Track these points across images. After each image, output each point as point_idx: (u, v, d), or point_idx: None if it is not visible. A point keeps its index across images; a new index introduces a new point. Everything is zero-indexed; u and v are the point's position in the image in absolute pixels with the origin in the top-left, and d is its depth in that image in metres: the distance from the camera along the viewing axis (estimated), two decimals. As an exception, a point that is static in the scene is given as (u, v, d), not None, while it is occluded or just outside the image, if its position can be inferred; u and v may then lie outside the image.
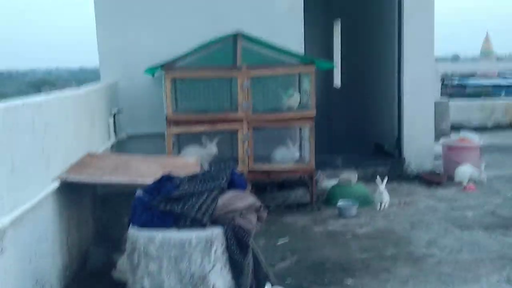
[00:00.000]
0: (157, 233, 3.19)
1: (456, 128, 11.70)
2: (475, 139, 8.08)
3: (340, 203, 6.32)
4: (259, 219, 3.56)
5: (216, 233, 3.24)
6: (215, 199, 3.35)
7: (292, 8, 7.25)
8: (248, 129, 6.25)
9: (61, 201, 4.15)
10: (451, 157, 7.74)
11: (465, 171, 7.32)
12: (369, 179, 7.45)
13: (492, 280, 4.33)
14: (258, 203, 3.53)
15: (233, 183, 3.59)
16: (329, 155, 8.46)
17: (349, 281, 4.41)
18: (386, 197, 6.46)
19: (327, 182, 7.05)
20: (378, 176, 6.62)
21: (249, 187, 6.28)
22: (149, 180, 3.82)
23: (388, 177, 6.79)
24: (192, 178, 3.62)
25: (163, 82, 6.16)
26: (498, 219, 5.90)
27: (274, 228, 5.85)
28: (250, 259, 3.46)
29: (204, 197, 3.35)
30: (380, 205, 6.43)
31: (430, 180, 7.51)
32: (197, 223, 3.25)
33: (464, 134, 8.35)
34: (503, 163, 8.75)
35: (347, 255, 4.99)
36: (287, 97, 6.55)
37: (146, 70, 6.48)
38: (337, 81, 12.08)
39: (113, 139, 6.33)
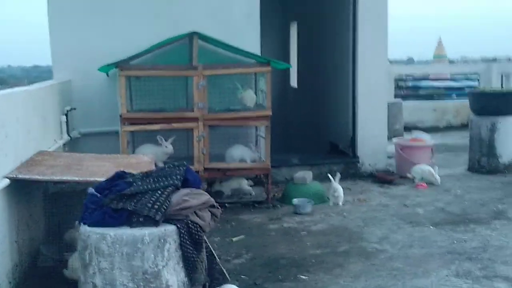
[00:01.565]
0: (109, 231, 3.15)
1: (409, 128, 11.93)
2: (427, 139, 8.27)
3: (296, 200, 6.38)
4: (213, 216, 3.56)
5: (169, 230, 3.23)
6: (168, 197, 3.34)
7: (249, 14, 7.26)
8: (203, 128, 6.24)
9: (11, 199, 4.05)
10: (404, 156, 7.91)
11: (421, 169, 7.48)
12: (324, 177, 7.53)
13: (441, 274, 4.44)
14: (212, 201, 3.53)
15: (188, 181, 3.59)
16: (285, 154, 8.51)
17: (303, 277, 4.45)
18: (340, 194, 6.55)
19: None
20: (329, 174, 6.72)
21: (204, 185, 6.31)
22: (101, 178, 3.78)
23: (342, 176, 6.88)
24: (145, 176, 3.60)
25: (117, 81, 6.09)
26: (447, 215, 6.05)
27: (230, 225, 5.87)
28: (204, 256, 3.46)
29: (157, 194, 3.33)
30: (335, 202, 6.52)
31: (383, 178, 7.65)
32: (150, 220, 3.23)
33: (416, 134, 8.53)
34: (453, 162, 8.97)
35: (302, 252, 5.04)
36: (239, 94, 6.57)
37: (100, 68, 6.40)
38: (293, 81, 12.17)
39: (66, 138, 6.22)
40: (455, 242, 5.18)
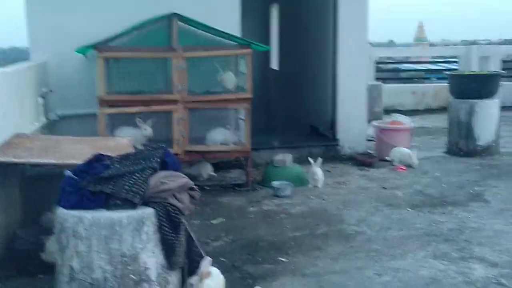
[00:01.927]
0: (87, 213, 3.14)
1: (389, 111, 12.00)
2: (406, 121, 8.33)
3: (275, 183, 6.40)
4: (192, 199, 3.56)
5: (147, 213, 3.22)
6: (146, 179, 3.32)
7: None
8: (183, 110, 6.21)
9: (-13, 182, 4.00)
10: (383, 139, 7.96)
11: (399, 152, 7.55)
12: (304, 160, 7.55)
13: (418, 256, 4.50)
14: (190, 183, 3.53)
15: (166, 164, 3.57)
16: (265, 136, 8.52)
17: (282, 259, 4.48)
18: (320, 177, 6.58)
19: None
20: (309, 158, 6.75)
21: (209, 168, 6.30)
22: (79, 161, 3.75)
23: (322, 158, 6.92)
24: (123, 158, 3.58)
25: (95, 62, 6.02)
26: (425, 198, 6.13)
27: (209, 208, 5.88)
28: (183, 239, 3.46)
29: (135, 177, 3.31)
30: (315, 185, 6.56)
31: (362, 161, 7.71)
32: (128, 203, 3.21)
33: (396, 117, 8.58)
34: (432, 145, 9.07)
35: (281, 234, 5.07)
36: (219, 76, 6.55)
37: (78, 50, 6.32)
38: (274, 64, 12.14)
39: (43, 120, 6.15)
40: (432, 224, 5.25)
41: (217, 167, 7.13)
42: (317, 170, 6.59)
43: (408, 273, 4.15)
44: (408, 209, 5.73)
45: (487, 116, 8.03)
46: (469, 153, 7.96)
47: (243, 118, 6.69)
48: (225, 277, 4.09)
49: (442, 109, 12.53)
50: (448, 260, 4.37)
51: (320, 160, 6.68)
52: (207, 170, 6.78)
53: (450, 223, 5.25)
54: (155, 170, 3.40)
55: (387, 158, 7.66)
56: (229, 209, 5.86)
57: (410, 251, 4.59)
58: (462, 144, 8.10)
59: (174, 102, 6.19)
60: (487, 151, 8.04)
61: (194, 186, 3.52)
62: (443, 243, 4.75)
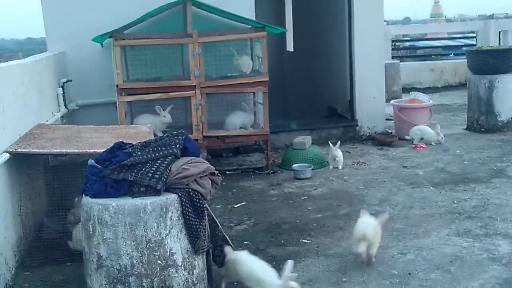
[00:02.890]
0: (111, 201, 3.18)
1: (407, 89, 11.93)
2: (425, 99, 8.26)
3: (295, 166, 6.41)
4: (213, 184, 3.58)
5: (171, 198, 3.25)
6: (168, 166, 3.35)
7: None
8: (201, 96, 6.23)
9: (11, 173, 4.08)
10: (402, 117, 7.91)
11: (420, 130, 7.49)
12: (323, 142, 7.60)
13: (442, 234, 4.49)
14: (212, 168, 3.55)
15: (187, 150, 3.59)
16: (284, 119, 8.52)
17: (305, 241, 4.50)
18: (340, 158, 6.58)
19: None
20: (329, 142, 6.73)
21: (204, 153, 6.32)
22: (101, 149, 3.79)
23: (341, 139, 6.91)
24: (144, 145, 3.60)
25: (112, 51, 6.05)
26: (447, 175, 6.09)
27: (231, 193, 5.91)
28: (206, 223, 3.49)
29: (157, 164, 3.34)
30: (335, 166, 6.56)
31: (382, 140, 7.68)
32: (151, 189, 3.25)
33: (414, 95, 8.52)
34: (452, 122, 9.00)
35: (303, 216, 5.09)
36: (235, 60, 6.54)
37: (94, 39, 6.34)
38: (290, 46, 12.06)
39: (63, 110, 6.21)
40: (455, 201, 5.23)
41: (237, 151, 7.16)
42: (337, 152, 6.58)
43: (432, 251, 4.16)
44: (430, 187, 5.71)
45: (507, 91, 7.92)
46: (490, 129, 7.89)
47: (260, 101, 6.69)
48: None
49: (461, 86, 12.43)
50: (472, 237, 4.36)
51: (338, 143, 6.66)
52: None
53: (473, 200, 5.22)
54: (176, 157, 3.43)
55: (406, 137, 7.62)
56: (250, 193, 5.89)
57: (433, 229, 4.59)
58: (482, 120, 8.02)
59: (192, 88, 6.21)
60: (508, 126, 7.95)
61: (216, 171, 3.54)
62: (466, 220, 4.74)
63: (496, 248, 4.15)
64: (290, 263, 3.36)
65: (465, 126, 8.37)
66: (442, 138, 7.43)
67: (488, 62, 8.01)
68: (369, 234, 3.84)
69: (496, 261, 3.92)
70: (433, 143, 7.40)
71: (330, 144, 6.62)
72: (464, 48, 10.43)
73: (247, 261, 3.57)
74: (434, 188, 5.68)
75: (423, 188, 5.69)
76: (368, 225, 3.92)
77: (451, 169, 6.33)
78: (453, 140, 7.70)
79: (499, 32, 13.59)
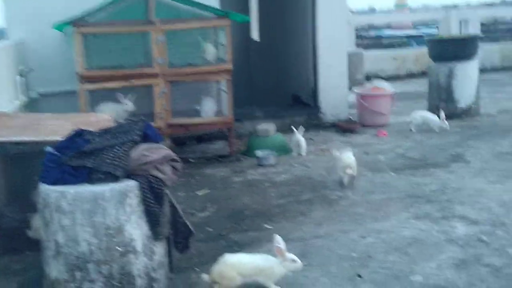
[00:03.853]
0: (69, 188, 3.13)
1: (371, 77, 12.03)
2: (387, 87, 8.34)
3: (259, 153, 6.42)
4: (174, 170, 3.55)
5: (130, 185, 3.21)
6: (127, 152, 3.31)
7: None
8: (164, 84, 6.17)
9: (-32, 162, 3.97)
10: (364, 105, 7.98)
11: (421, 116, 7.52)
12: (287, 129, 7.58)
13: (401, 217, 4.56)
14: (172, 155, 3.52)
15: (147, 137, 3.56)
16: (248, 107, 8.53)
17: (267, 226, 4.52)
18: (303, 145, 6.61)
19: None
20: (292, 126, 6.77)
21: (166, 140, 6.29)
22: (60, 137, 3.72)
23: (305, 127, 6.95)
24: (104, 132, 3.56)
25: (73, 39, 5.94)
26: (407, 161, 6.19)
27: (194, 180, 5.90)
28: (166, 210, 3.47)
29: (116, 150, 3.30)
30: (298, 153, 6.60)
31: (345, 127, 7.75)
32: (110, 176, 3.20)
33: (377, 83, 8.60)
34: (413, 109, 9.09)
35: (266, 202, 5.11)
36: (199, 49, 6.51)
37: (55, 26, 6.22)
38: (255, 34, 12.03)
39: (23, 99, 6.09)
40: (414, 186, 5.31)
41: (201, 139, 7.15)
42: (300, 138, 6.61)
43: (391, 234, 4.21)
44: (390, 172, 5.79)
45: (466, 78, 8.07)
46: (450, 115, 8.01)
47: (224, 89, 6.67)
48: (211, 246, 4.16)
49: (423, 74, 12.57)
50: (430, 220, 4.44)
51: (302, 128, 6.69)
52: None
53: (432, 185, 5.31)
54: (136, 143, 3.39)
55: (410, 125, 7.46)
56: (214, 180, 5.88)
57: (393, 213, 4.65)
58: (442, 107, 8.12)
59: (155, 75, 6.16)
60: (467, 113, 8.11)
61: (176, 158, 3.51)
62: (425, 204, 4.82)
63: (453, 230, 4.23)
64: (277, 237, 3.35)
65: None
66: (447, 125, 7.33)
67: (448, 50, 8.14)
68: (353, 162, 5.32)
69: (453, 243, 3.99)
70: (437, 130, 7.35)
71: (294, 129, 6.65)
72: (425, 37, 10.55)
73: (245, 259, 3.42)
74: (394, 173, 5.75)
75: (384, 174, 5.76)
76: (351, 157, 5.37)
77: (411, 154, 6.42)
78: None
79: (460, 21, 13.80)
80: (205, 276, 3.37)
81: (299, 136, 6.59)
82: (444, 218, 4.48)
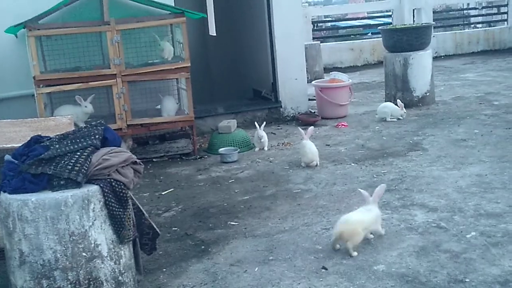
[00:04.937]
0: (31, 196, 3.09)
1: (329, 69, 12.19)
2: (345, 78, 8.44)
3: (222, 150, 6.44)
4: (136, 172, 3.55)
5: (92, 190, 3.19)
6: (88, 157, 3.28)
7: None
8: (122, 84, 6.13)
9: None
10: (324, 97, 8.07)
11: (387, 107, 7.67)
12: (249, 124, 7.68)
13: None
14: (133, 157, 3.51)
15: (107, 140, 3.53)
16: (209, 103, 8.53)
17: (233, 223, 4.55)
18: (265, 139, 6.66)
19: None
20: (256, 122, 6.80)
21: (129, 142, 6.25)
22: (18, 144, 3.67)
23: (266, 121, 7.00)
24: (62, 138, 3.51)
25: (26, 42, 5.84)
26: (367, 151, 6.30)
27: (158, 180, 5.88)
28: (131, 212, 3.46)
29: (76, 156, 3.27)
30: (260, 148, 6.65)
31: (305, 120, 7.83)
32: (72, 182, 3.18)
33: (334, 75, 8.69)
34: (371, 99, 9.28)
35: (230, 199, 5.14)
36: (158, 50, 6.48)
37: (7, 30, 6.10)
38: (212, 30, 12.00)
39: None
40: (375, 176, 5.42)
41: (163, 138, 7.12)
42: (263, 133, 6.65)
43: (354, 224, 4.28)
44: (351, 163, 5.89)
45: (421, 67, 8.24)
46: (406, 104, 8.16)
47: (184, 87, 6.66)
48: (178, 246, 4.18)
49: (380, 64, 12.75)
50: (390, 209, 4.54)
51: (263, 123, 6.74)
52: (127, 143, 6.73)
53: (391, 174, 5.43)
54: (96, 148, 3.37)
55: (378, 115, 7.70)
56: (178, 179, 5.88)
57: (354, 204, 4.71)
58: (399, 96, 8.29)
59: (112, 76, 6.10)
60: (423, 101, 8.29)
61: (137, 160, 3.51)
62: (385, 193, 4.87)
63: (413, 218, 4.34)
64: (360, 190, 4.00)
65: (383, 102, 8.63)
66: (405, 112, 7.59)
67: (402, 40, 8.28)
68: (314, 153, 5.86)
69: (413, 231, 4.10)
70: (400, 117, 7.54)
71: (256, 125, 6.69)
72: (379, 27, 10.71)
73: (361, 215, 3.93)
74: (355, 164, 5.86)
75: (345, 165, 5.85)
76: (312, 147, 5.89)
77: (371, 145, 6.55)
78: (373, 116, 7.94)
79: (413, 10, 14.04)
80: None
81: (261, 131, 6.64)
82: (403, 206, 4.59)
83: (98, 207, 3.18)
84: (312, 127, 6.18)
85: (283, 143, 6.93)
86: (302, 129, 6.16)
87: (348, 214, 3.94)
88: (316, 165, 5.84)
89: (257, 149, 6.69)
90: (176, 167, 6.31)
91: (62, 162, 3.22)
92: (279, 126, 7.82)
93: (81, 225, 3.12)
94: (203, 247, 4.15)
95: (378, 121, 7.63)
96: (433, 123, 7.30)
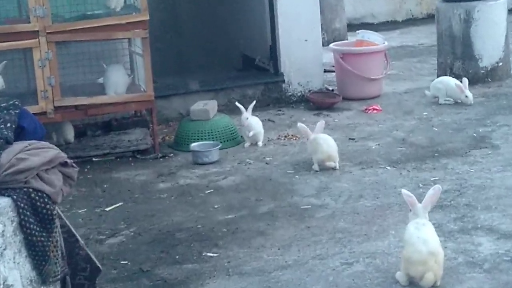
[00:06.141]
0: None
1: (355, 26, 12.14)
2: (378, 40, 8.42)
3: (195, 145, 6.43)
4: (67, 179, 3.54)
5: (1, 205, 3.18)
6: (-4, 156, 3.28)
7: None
8: (48, 46, 6.10)
9: None
10: (346, 68, 8.04)
11: (445, 83, 7.66)
12: (235, 108, 7.61)
13: (402, 232, 4.61)
14: (63, 156, 3.50)
15: (24, 131, 3.53)
16: (178, 76, 8.53)
17: (211, 254, 4.54)
18: (258, 130, 6.65)
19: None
20: (237, 103, 6.80)
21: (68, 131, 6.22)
22: None
23: (262, 102, 6.99)
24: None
25: None
26: (410, 149, 6.31)
27: (101, 189, 5.88)
28: (58, 238, 3.45)
29: (-22, 154, 3.27)
30: (252, 142, 6.64)
31: (320, 102, 7.82)
32: (-30, 193, 3.18)
33: (363, 34, 8.66)
34: (417, 72, 9.29)
35: (207, 218, 5.13)
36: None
37: None
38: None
39: None
40: (420, 185, 5.42)
41: (108, 127, 7.10)
42: (250, 121, 6.64)
43: (389, 258, 4.29)
44: (386, 166, 5.89)
45: (490, 24, 8.22)
46: (469, 79, 8.16)
47: (139, 52, 6.64)
48: (131, 287, 4.16)
49: (430, 18, 12.78)
50: (444, 235, 4.52)
51: (252, 104, 6.70)
52: (67, 133, 6.71)
53: (445, 182, 5.42)
54: (7, 142, 3.36)
55: (426, 93, 7.73)
56: (129, 188, 5.88)
57: (391, 226, 4.72)
58: (458, 67, 8.30)
59: (33, 34, 6.07)
60: (494, 75, 8.29)
61: (69, 161, 3.49)
62: (435, 211, 4.90)
63: (476, 248, 4.33)
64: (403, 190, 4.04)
65: (436, 77, 8.62)
66: (467, 96, 7.48)
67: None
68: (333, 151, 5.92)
69: (476, 267, 4.09)
70: (459, 100, 7.53)
71: (240, 107, 6.65)
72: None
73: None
74: (392, 167, 5.86)
75: (376, 169, 5.85)
76: (331, 143, 5.95)
77: (415, 139, 6.55)
78: (419, 97, 7.95)
79: None
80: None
81: (247, 116, 6.61)
82: (462, 231, 4.58)
83: (9, 230, 3.17)
84: (322, 121, 6.16)
85: (285, 136, 6.93)
86: (315, 115, 6.14)
87: (419, 229, 3.87)
88: (335, 168, 5.82)
89: (247, 144, 6.68)
90: (127, 171, 6.30)
91: (-44, 163, 3.21)
92: (280, 110, 7.81)
93: (-17, 257, 3.10)
94: (166, 290, 4.15)
95: (426, 104, 7.63)
96: (507, 107, 7.33)
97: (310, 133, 5.93)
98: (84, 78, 6.59)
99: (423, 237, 3.80)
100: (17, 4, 6.52)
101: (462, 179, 5.48)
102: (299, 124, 6.18)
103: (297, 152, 6.45)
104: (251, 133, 6.60)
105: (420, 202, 3.98)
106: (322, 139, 5.89)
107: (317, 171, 5.87)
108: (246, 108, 6.65)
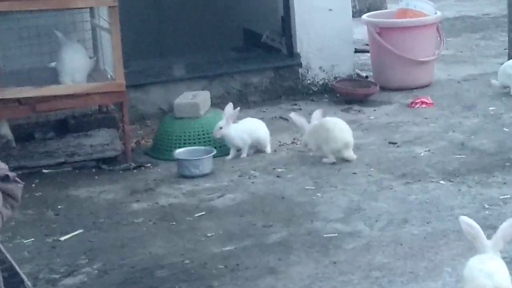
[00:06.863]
0: None
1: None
2: (428, 9, 8.42)
3: (180, 152, 6.45)
4: (8, 198, 3.55)
5: None
6: None
7: None
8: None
9: None
10: (385, 46, 8.05)
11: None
12: (235, 101, 7.62)
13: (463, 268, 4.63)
14: (2, 168, 3.50)
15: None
16: (159, 59, 8.56)
17: (201, 300, 4.56)
18: (265, 134, 6.66)
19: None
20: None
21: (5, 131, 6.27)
22: None
23: (272, 93, 7.01)
24: None
25: None
26: (471, 156, 6.31)
27: (54, 212, 5.89)
28: (-3, 279, 3.47)
29: None
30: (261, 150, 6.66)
31: (349, 93, 7.83)
32: None
33: (408, 1, 8.66)
34: (480, 51, 9.28)
35: (198, 251, 5.13)
36: None
37: None
38: None
39: None
40: (486, 206, 5.41)
41: (64, 127, 7.12)
42: (257, 123, 6.70)
43: (444, 304, 4.30)
44: (439, 180, 5.89)
45: None
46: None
47: (105, 26, 6.66)
48: None
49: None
50: (516, 273, 4.53)
51: (235, 111, 6.69)
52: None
53: (520, 202, 5.43)
54: None
55: (493, 82, 7.75)
56: (92, 211, 5.89)
57: (447, 261, 4.71)
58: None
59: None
60: None
61: (11, 174, 3.49)
62: (507, 242, 4.90)
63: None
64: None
65: (506, 59, 8.62)
66: None
67: None
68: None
69: None
70: None
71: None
72: None
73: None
74: (447, 181, 5.85)
75: (426, 183, 5.85)
76: (341, 123, 6.17)
77: (478, 143, 6.55)
78: (482, 86, 7.96)
79: None
80: None
81: (240, 124, 6.65)
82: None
83: None
84: (320, 110, 6.32)
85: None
86: (343, 111, 6.11)
87: (483, 263, 3.88)
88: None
89: (229, 156, 6.68)
90: (89, 187, 6.31)
91: None
92: (295, 104, 7.82)
93: None
94: None
95: (493, 95, 7.63)
96: None
97: (307, 124, 6.02)
98: (31, 61, 6.58)
99: (487, 270, 3.76)
100: None
101: (543, 198, 5.49)
102: (291, 114, 6.34)
103: (317, 161, 6.44)
104: (243, 154, 6.66)
105: (487, 233, 3.97)
106: (331, 122, 5.99)
107: (334, 162, 6.08)
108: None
